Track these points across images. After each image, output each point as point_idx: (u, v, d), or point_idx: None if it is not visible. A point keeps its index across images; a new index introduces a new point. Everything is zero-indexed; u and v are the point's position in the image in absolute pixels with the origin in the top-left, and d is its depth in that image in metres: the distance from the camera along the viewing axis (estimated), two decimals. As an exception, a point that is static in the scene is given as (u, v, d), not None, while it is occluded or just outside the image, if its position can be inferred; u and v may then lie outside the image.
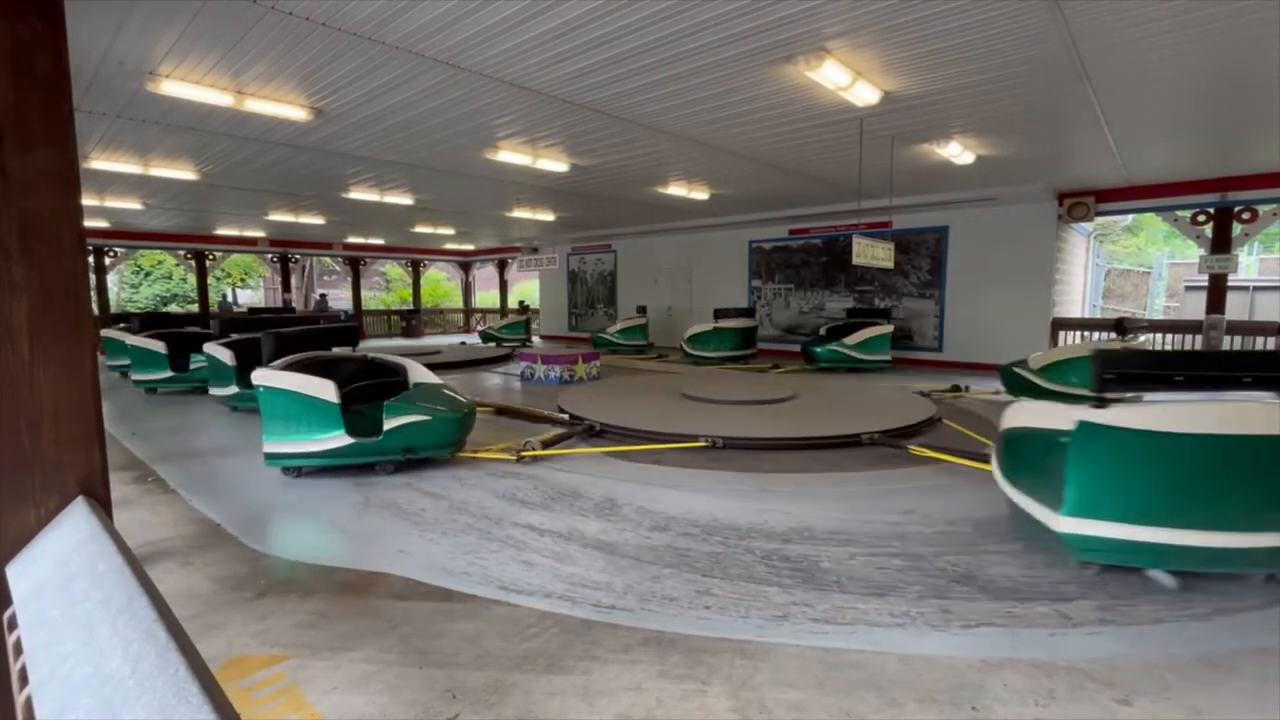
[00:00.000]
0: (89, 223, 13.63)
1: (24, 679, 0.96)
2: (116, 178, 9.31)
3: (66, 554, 1.18)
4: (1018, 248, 10.77)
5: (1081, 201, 10.39)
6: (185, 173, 9.07)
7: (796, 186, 10.26)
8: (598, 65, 5.02)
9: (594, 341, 14.95)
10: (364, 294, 23.26)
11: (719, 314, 12.96)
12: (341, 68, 5.09)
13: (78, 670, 0.84)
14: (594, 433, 6.24)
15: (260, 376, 4.83)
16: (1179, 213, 10.07)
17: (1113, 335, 7.68)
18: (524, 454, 5.37)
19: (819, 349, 11.18)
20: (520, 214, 13.28)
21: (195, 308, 19.38)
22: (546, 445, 5.66)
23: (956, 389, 8.79)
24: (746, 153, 8.01)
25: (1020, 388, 7.80)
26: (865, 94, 5.45)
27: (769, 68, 5.05)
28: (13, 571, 1.25)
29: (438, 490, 4.59)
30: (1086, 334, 11.01)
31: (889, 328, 11.10)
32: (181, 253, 17.70)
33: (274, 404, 4.76)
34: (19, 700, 0.96)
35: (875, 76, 5.25)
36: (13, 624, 1.13)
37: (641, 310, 15.45)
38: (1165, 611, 2.81)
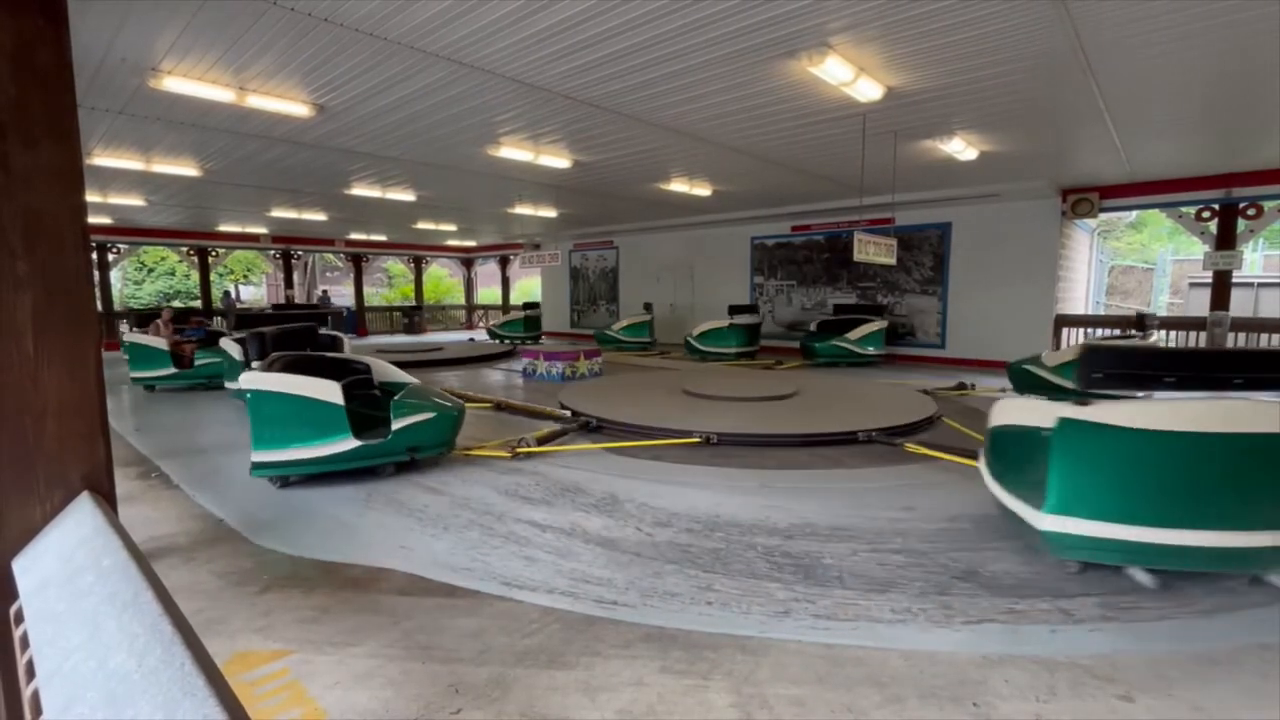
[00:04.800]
0: (92, 219, 13.63)
1: (31, 672, 0.97)
2: (119, 174, 9.31)
3: (71, 549, 1.19)
4: (1021, 244, 10.73)
5: (1085, 198, 10.34)
6: (188, 169, 9.06)
7: (799, 183, 10.23)
8: (599, 61, 5.00)
9: (598, 338, 14.93)
10: (366, 290, 23.25)
11: (734, 310, 12.97)
12: (343, 64, 5.08)
13: (84, 664, 0.85)
14: (592, 428, 6.25)
15: (249, 380, 4.40)
16: (1183, 209, 10.00)
17: (1132, 332, 7.64)
18: (519, 450, 5.39)
19: (819, 344, 11.30)
20: (522, 210, 13.26)
21: (198, 304, 19.38)
22: (542, 441, 5.66)
23: (962, 386, 8.75)
24: (749, 149, 7.99)
25: (1032, 385, 7.73)
26: (868, 90, 5.42)
27: (771, 63, 5.03)
28: (19, 566, 1.25)
29: (440, 487, 4.60)
30: (1091, 331, 10.97)
31: (883, 324, 11.42)
32: (184, 249, 17.70)
33: (268, 409, 4.35)
34: (26, 693, 0.97)
35: (878, 72, 5.23)
36: (19, 618, 1.13)
37: (647, 307, 15.44)
38: (1167, 608, 2.81)
